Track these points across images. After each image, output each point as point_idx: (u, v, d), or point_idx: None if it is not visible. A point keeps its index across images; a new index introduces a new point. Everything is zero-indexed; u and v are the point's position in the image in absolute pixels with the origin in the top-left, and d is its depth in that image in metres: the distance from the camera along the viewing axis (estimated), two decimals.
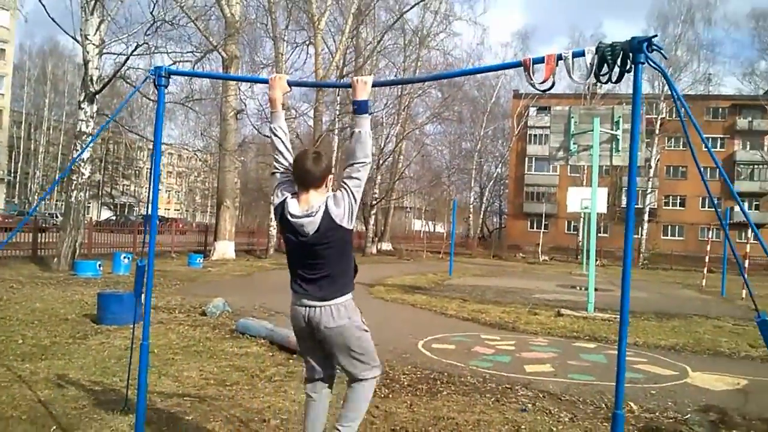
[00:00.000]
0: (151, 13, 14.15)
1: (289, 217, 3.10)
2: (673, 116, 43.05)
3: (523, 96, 47.96)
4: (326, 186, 3.14)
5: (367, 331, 3.28)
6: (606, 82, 2.68)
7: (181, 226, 43.05)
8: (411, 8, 32.50)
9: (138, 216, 53.30)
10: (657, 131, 42.36)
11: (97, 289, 10.98)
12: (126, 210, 62.62)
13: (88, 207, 60.17)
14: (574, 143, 11.93)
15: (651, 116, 42.28)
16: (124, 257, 16.30)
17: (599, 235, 42.59)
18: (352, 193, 3.07)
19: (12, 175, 55.44)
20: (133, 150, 65.52)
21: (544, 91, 2.76)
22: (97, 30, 14.93)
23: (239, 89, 26.83)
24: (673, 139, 51.32)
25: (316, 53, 29.85)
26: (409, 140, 38.49)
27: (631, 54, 2.56)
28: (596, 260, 34.83)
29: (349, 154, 3.14)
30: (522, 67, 2.77)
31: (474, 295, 14.81)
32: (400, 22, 33.54)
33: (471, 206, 48.45)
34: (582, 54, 2.65)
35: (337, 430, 3.26)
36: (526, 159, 58.28)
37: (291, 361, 6.71)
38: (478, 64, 46.39)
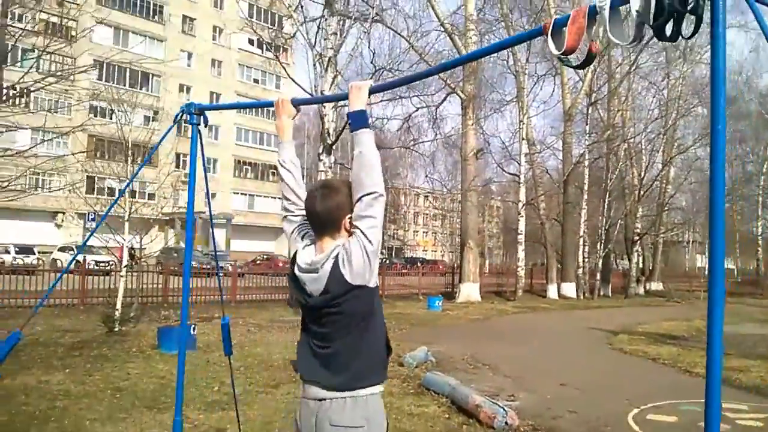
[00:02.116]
0: (372, 62, 14.72)
1: (296, 272, 2.38)
2: None
3: None
4: (344, 229, 2.35)
5: None
6: (674, 39, 1.55)
7: (440, 267, 44.17)
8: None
9: (401, 258, 56.14)
10: None
11: None
12: (394, 253, 66.17)
13: None
14: None
15: None
16: None
17: None
18: (366, 237, 2.24)
19: None
20: (398, 195, 69.60)
21: (576, 67, 1.70)
22: (331, 85, 15.87)
23: (481, 128, 26.69)
24: None
25: (562, 82, 28.51)
26: (675, 166, 34.52)
27: None
28: None
29: (355, 184, 2.31)
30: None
31: (743, 347, 12.13)
32: None
33: (760, 238, 41.34)
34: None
35: None
36: None
37: (465, 426, 5.88)
38: (752, 73, 40.75)
